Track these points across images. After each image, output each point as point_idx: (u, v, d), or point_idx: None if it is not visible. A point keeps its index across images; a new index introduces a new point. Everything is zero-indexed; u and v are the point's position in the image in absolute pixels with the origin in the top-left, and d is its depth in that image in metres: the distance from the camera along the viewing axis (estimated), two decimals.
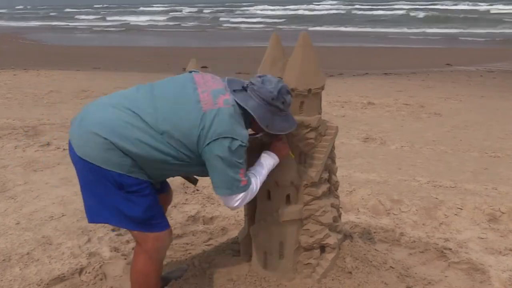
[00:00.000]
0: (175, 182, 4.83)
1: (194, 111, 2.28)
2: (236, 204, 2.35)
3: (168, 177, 2.61)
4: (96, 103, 2.41)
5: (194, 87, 2.39)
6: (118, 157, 2.25)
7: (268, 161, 2.49)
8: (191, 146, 2.28)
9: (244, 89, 2.40)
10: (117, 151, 2.25)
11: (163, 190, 2.76)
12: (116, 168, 2.26)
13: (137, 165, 2.30)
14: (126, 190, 2.30)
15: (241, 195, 2.33)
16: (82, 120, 2.32)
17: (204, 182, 4.89)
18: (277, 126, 2.40)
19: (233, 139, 2.24)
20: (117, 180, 2.27)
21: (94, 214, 2.38)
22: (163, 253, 2.51)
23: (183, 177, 2.70)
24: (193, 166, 2.38)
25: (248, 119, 2.40)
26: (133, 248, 3.51)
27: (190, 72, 2.56)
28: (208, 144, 2.24)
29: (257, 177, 2.43)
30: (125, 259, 3.41)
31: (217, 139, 2.23)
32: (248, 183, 2.36)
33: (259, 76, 2.43)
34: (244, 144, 2.27)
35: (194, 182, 2.78)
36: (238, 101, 2.34)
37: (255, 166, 2.48)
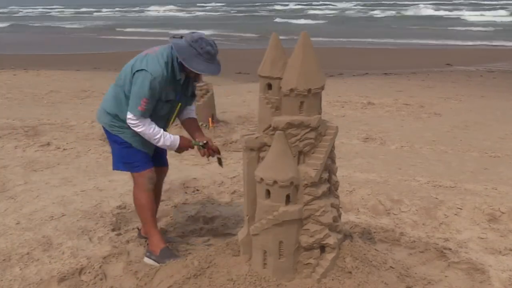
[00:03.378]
0: (175, 182, 4.84)
1: (135, 58, 3.20)
2: (130, 120, 3.15)
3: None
4: None
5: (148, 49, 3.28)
6: (109, 119, 3.30)
7: (169, 139, 3.24)
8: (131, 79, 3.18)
9: (181, 37, 3.19)
10: (107, 114, 3.30)
11: (160, 163, 3.57)
12: (108, 127, 3.32)
13: (118, 123, 3.27)
14: (119, 143, 3.33)
15: (135, 116, 3.12)
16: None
17: (204, 182, 4.91)
18: (194, 65, 3.07)
19: (145, 71, 3.07)
20: (112, 137, 3.35)
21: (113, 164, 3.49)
22: (148, 185, 3.37)
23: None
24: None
25: (181, 65, 3.14)
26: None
27: None
28: (133, 74, 3.13)
29: (152, 127, 3.17)
30: (125, 259, 3.41)
31: (137, 71, 3.10)
32: (144, 114, 3.12)
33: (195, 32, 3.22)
34: (153, 76, 3.05)
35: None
36: (171, 42, 3.15)
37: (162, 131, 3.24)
